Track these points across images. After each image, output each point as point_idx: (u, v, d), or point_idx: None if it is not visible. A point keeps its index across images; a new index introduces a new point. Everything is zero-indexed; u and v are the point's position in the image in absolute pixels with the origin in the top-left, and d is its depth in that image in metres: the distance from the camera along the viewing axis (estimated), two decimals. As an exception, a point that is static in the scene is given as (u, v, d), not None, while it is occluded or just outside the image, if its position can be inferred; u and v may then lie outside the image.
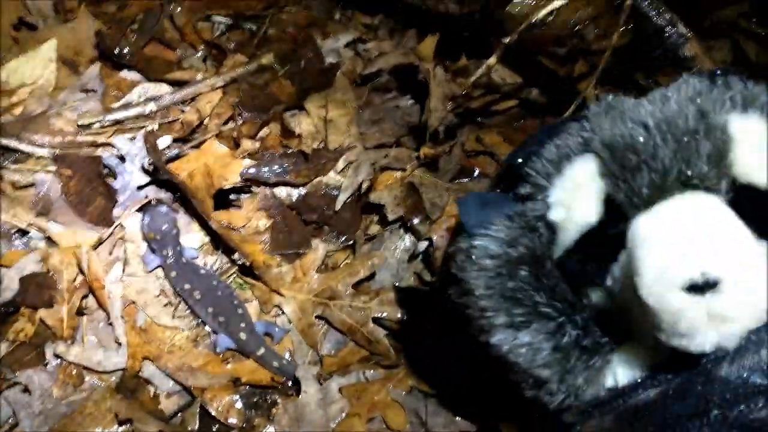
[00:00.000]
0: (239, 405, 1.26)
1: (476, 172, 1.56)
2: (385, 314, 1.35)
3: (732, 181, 0.72)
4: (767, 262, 0.66)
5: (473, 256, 0.78)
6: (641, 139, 0.72)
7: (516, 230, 0.79)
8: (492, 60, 1.29)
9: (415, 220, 1.46)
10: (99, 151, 1.45)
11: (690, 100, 0.73)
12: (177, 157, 1.46)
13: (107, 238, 1.35)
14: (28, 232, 1.35)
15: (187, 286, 1.33)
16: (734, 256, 0.65)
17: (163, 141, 1.47)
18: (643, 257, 0.68)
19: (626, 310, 0.78)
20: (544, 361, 0.77)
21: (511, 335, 0.77)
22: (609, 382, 0.79)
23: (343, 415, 1.23)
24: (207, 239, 1.44)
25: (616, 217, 0.76)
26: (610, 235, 0.77)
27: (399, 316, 1.35)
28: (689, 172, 0.70)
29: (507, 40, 1.23)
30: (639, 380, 0.77)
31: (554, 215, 0.80)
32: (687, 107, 0.72)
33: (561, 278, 0.80)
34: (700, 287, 0.63)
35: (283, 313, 1.38)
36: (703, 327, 0.65)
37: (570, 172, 0.78)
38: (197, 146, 1.47)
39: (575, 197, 0.78)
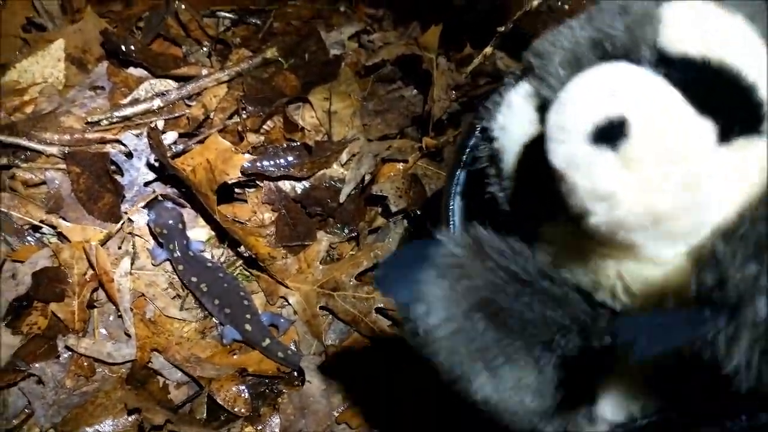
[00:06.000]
0: (246, 395, 1.28)
1: (480, 161, 1.55)
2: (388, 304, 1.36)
3: (659, 52, 0.63)
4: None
5: (420, 331, 0.67)
6: (561, 30, 0.69)
7: (454, 269, 0.67)
8: (488, 49, 1.28)
9: (419, 212, 1.47)
10: (107, 148, 1.48)
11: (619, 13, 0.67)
12: (183, 152, 1.48)
13: (116, 233, 1.39)
14: (40, 228, 1.39)
15: (194, 279, 1.35)
16: (642, 96, 0.57)
17: (170, 136, 1.49)
18: (548, 121, 0.60)
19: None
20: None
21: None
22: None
23: (346, 405, 1.25)
24: (213, 233, 1.46)
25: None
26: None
27: (402, 306, 1.35)
28: (601, 36, 0.65)
29: (502, 28, 1.22)
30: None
31: (495, 139, 0.75)
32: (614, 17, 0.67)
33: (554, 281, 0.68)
34: (606, 133, 0.56)
35: (288, 304, 1.40)
36: (620, 187, 0.56)
37: (506, 100, 0.74)
38: (202, 141, 1.49)
39: (511, 114, 0.73)
